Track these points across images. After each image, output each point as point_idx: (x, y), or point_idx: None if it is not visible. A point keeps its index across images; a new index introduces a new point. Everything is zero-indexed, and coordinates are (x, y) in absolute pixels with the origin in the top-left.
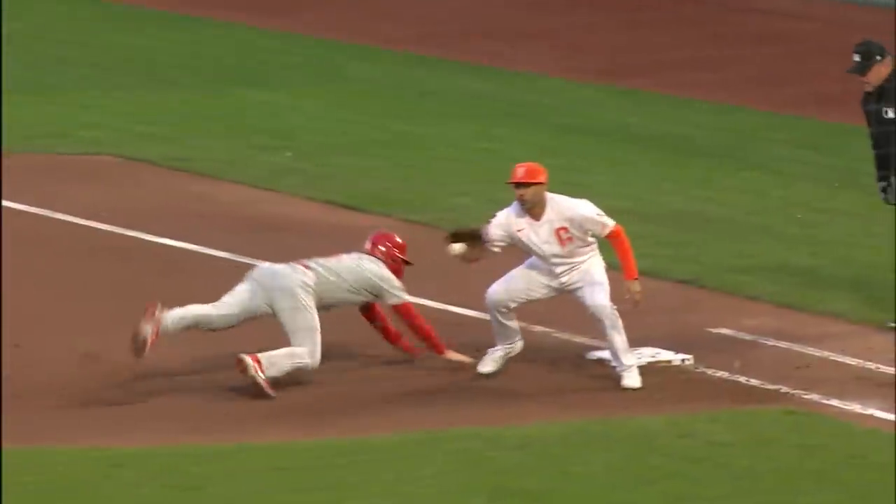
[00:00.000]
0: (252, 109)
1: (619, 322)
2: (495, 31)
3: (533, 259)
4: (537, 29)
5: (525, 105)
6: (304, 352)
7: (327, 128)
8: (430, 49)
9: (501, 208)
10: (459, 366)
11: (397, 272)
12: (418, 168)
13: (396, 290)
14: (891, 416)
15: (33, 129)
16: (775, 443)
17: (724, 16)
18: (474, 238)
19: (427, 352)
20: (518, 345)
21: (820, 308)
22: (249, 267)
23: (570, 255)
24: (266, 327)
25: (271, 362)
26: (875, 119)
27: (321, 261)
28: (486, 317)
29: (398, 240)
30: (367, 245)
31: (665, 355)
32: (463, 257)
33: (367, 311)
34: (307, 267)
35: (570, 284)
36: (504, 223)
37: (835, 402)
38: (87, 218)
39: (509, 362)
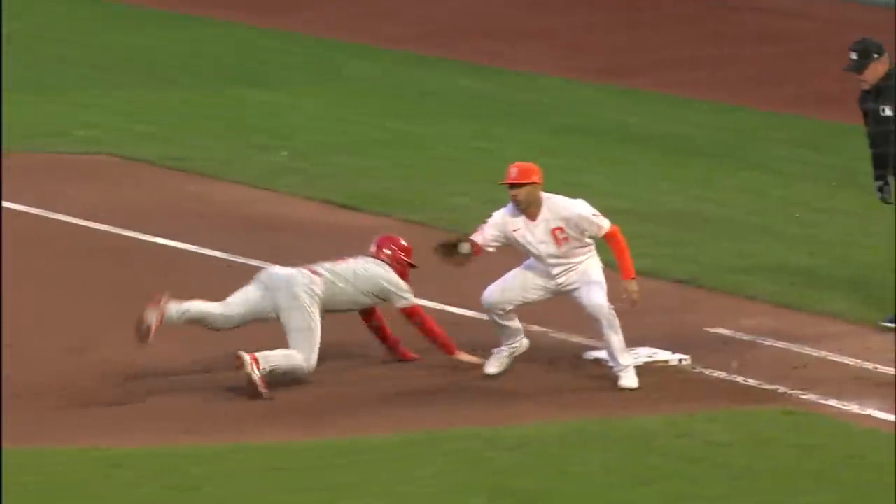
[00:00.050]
0: (251, 108)
1: (617, 322)
2: (495, 30)
3: (530, 260)
4: (537, 28)
5: (524, 105)
6: (300, 356)
7: (326, 127)
8: (429, 48)
9: (499, 208)
10: (470, 366)
11: (403, 275)
12: (417, 168)
13: (404, 293)
14: (889, 416)
15: (32, 128)
16: (773, 443)
17: (724, 15)
18: (455, 248)
19: (426, 353)
20: (523, 343)
21: (818, 308)
22: (246, 267)
23: (567, 256)
24: (268, 329)
25: (267, 362)
26: (872, 118)
27: (328, 265)
28: (484, 317)
29: (403, 243)
30: (372, 248)
31: (662, 355)
32: (452, 262)
33: (367, 313)
34: (315, 272)
35: (566, 286)
36: (500, 223)
37: (833, 402)
38: (85, 218)
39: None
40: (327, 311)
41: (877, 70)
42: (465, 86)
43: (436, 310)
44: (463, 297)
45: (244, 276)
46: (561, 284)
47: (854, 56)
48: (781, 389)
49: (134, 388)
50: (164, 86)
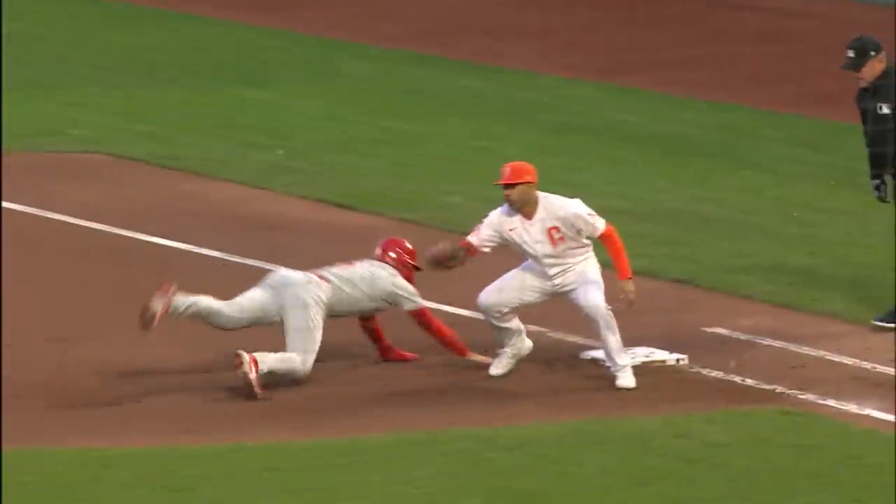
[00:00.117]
0: (250, 108)
1: (614, 322)
2: (493, 29)
3: (527, 262)
4: (535, 27)
5: (524, 104)
6: (297, 359)
7: (325, 126)
8: (428, 47)
9: (496, 208)
10: (483, 366)
11: (408, 278)
12: (415, 166)
13: (412, 297)
14: (888, 416)
15: (31, 127)
16: (771, 443)
17: (724, 14)
18: (449, 260)
19: (425, 353)
20: (525, 344)
21: (816, 308)
22: (242, 266)
23: (563, 256)
24: (268, 330)
25: (265, 363)
26: (870, 116)
27: (335, 270)
28: (481, 316)
29: (408, 245)
30: (377, 251)
31: (660, 355)
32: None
33: (365, 315)
34: (322, 278)
35: (564, 287)
36: (496, 222)
37: (831, 402)
38: (81, 217)
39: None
40: (332, 316)
41: (874, 68)
42: (465, 85)
43: (435, 309)
44: (460, 296)
45: (240, 275)
46: (558, 286)
47: (851, 54)
48: (779, 389)
49: (132, 388)
50: (163, 85)
